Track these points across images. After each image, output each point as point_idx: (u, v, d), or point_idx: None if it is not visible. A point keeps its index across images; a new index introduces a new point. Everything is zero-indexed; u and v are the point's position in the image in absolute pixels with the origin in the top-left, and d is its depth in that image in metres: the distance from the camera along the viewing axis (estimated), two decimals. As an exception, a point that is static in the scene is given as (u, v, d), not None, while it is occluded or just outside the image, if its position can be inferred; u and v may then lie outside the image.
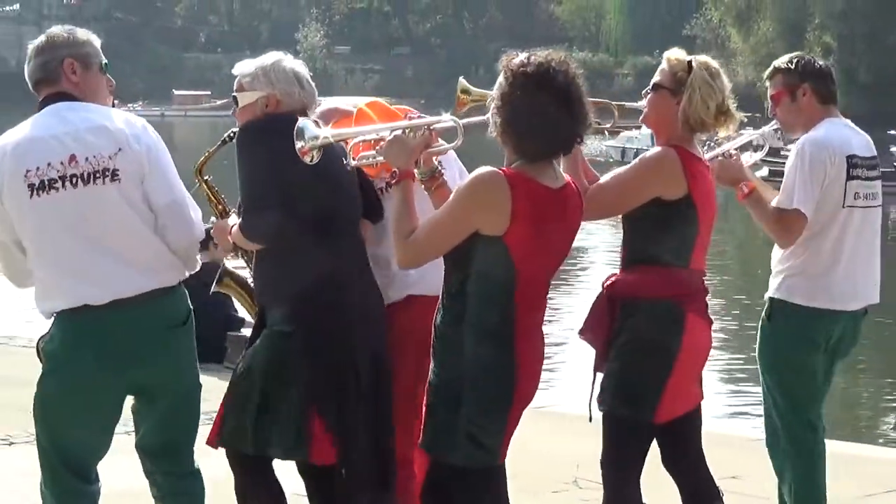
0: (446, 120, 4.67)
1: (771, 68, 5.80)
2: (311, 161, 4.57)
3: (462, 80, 5.15)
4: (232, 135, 5.34)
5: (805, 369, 5.78)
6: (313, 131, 4.60)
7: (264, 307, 5.22)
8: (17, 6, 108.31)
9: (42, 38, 4.96)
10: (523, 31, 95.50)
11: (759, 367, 5.91)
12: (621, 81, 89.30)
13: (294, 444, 5.09)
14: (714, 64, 5.04)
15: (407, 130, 4.61)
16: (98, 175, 4.72)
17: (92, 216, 4.73)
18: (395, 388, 5.26)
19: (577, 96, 4.39)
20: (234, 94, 5.29)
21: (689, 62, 5.01)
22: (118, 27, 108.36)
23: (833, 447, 6.34)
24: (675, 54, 5.09)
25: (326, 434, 5.09)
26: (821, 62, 5.85)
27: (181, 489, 5.08)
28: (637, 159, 5.06)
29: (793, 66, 5.79)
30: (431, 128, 4.65)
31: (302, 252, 5.07)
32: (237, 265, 5.33)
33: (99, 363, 4.76)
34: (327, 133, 4.71)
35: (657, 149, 5.02)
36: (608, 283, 5.09)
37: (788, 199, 5.62)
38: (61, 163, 4.68)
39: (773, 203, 5.62)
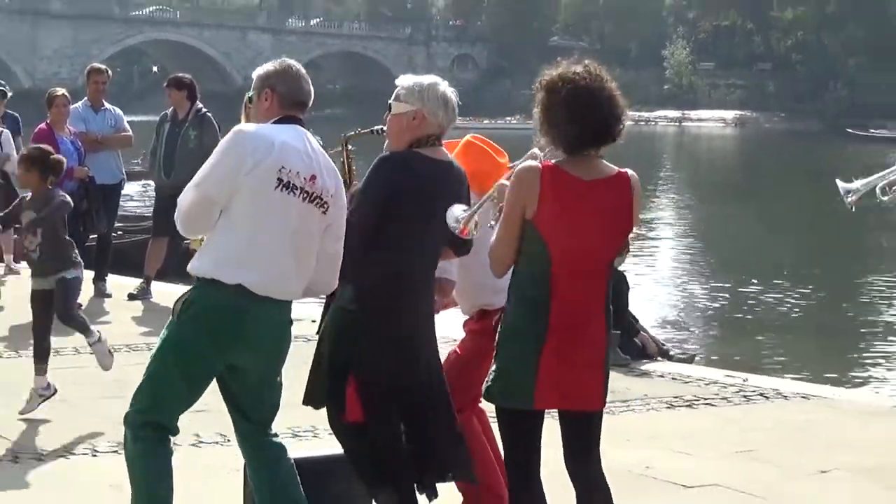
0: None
1: None
2: (469, 236, 5.13)
3: None
4: (380, 130, 5.84)
5: None
6: (463, 213, 5.07)
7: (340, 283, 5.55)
8: (408, 29, 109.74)
9: (299, 65, 5.45)
10: (882, 46, 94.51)
11: None
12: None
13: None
14: None
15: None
16: (317, 201, 5.28)
17: (300, 229, 5.25)
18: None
19: (586, 102, 4.81)
20: (391, 101, 5.62)
21: None
22: (500, 46, 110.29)
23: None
24: None
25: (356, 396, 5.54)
26: None
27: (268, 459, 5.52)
28: None
29: None
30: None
31: (374, 250, 5.53)
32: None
33: (225, 340, 5.23)
34: (471, 213, 5.13)
35: None
36: None
37: None
38: (304, 178, 5.21)
39: None
